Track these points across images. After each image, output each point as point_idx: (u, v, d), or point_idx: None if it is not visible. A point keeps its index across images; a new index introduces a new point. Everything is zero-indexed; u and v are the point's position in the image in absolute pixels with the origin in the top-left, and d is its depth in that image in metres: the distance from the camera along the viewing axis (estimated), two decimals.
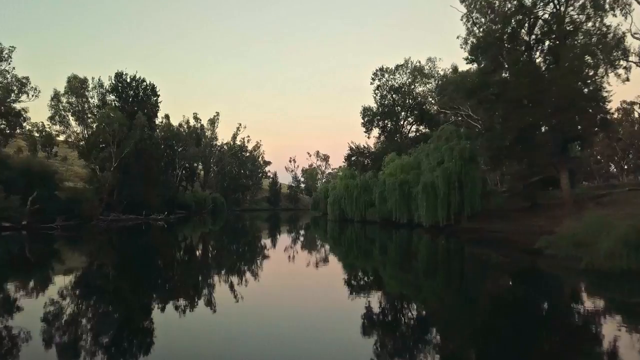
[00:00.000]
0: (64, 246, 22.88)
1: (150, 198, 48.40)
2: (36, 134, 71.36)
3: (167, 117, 65.34)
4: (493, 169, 29.42)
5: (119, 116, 42.87)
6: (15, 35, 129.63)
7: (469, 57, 26.38)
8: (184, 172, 63.86)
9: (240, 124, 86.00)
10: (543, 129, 25.95)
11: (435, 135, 29.06)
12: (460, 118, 37.47)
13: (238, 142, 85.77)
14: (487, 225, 26.73)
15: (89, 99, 45.13)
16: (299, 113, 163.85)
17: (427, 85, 35.72)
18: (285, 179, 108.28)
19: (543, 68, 25.12)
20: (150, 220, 42.34)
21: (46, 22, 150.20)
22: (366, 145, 47.42)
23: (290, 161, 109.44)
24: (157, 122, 63.46)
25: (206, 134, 75.39)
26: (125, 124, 43.69)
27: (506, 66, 25.42)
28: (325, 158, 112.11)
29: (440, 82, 32.14)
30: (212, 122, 76.63)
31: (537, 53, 25.88)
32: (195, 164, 74.81)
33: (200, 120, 73.86)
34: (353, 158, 46.75)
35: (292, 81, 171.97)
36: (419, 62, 36.01)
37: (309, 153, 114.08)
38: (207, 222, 48.39)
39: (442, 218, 26.31)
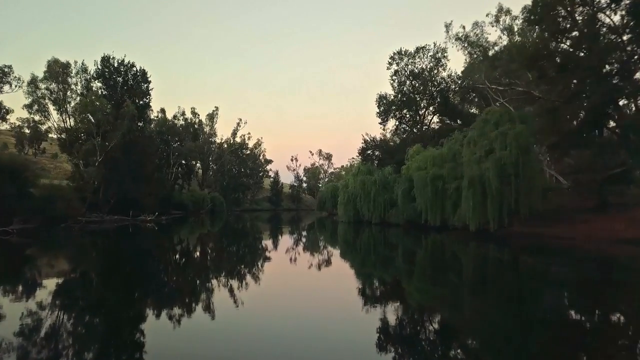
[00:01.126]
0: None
1: (142, 197, 42.67)
2: (26, 130, 65.68)
3: (162, 111, 59.73)
4: (556, 158, 23.74)
5: (104, 103, 37.09)
6: (13, 30, 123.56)
7: (528, 18, 20.67)
8: (179, 169, 57.95)
9: (240, 119, 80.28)
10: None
11: (479, 120, 23.40)
12: (498, 104, 31.74)
13: (238, 139, 79.89)
14: (547, 229, 21.17)
15: (72, 86, 39.27)
16: (300, 112, 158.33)
17: (474, 56, 29.80)
18: (286, 179, 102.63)
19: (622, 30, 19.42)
20: (138, 221, 36.51)
21: (44, 19, 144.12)
22: (383, 138, 41.57)
23: (292, 160, 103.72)
24: (152, 116, 57.96)
25: (204, 129, 69.48)
26: (111, 112, 37.93)
27: (575, 32, 19.73)
28: (328, 157, 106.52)
29: (490, 51, 26.47)
30: (211, 117, 70.72)
31: (612, 13, 20.16)
32: (194, 162, 69.11)
33: (199, 115, 68.11)
34: (368, 152, 40.82)
35: (293, 81, 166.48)
36: (463, 28, 30.07)
37: (311, 152, 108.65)
38: (204, 223, 42.63)
39: (493, 220, 20.66)
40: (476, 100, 41.70)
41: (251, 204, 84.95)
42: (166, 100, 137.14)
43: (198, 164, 70.36)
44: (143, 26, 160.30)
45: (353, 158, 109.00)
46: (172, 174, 55.05)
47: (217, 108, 71.53)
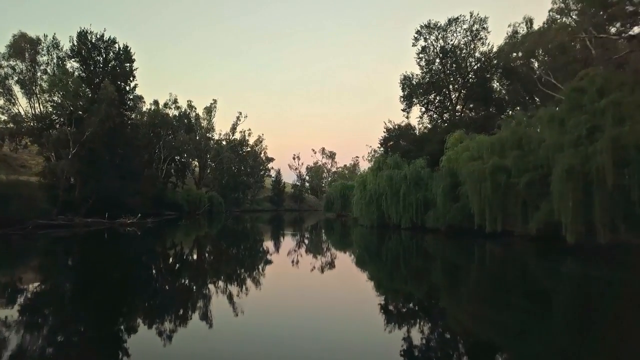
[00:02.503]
0: None
1: (128, 196, 35.97)
2: (12, 125, 59.10)
3: (156, 103, 52.91)
4: None
5: (77, 83, 30.36)
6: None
7: None
8: (173, 165, 51.09)
9: (240, 113, 72.16)
10: None
11: (569, 89, 16.73)
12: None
13: (238, 135, 72.91)
14: None
15: (42, 66, 32.50)
16: (300, 112, 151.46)
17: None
18: (288, 178, 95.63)
19: None
20: (117, 224, 29.74)
21: (45, 18, 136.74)
22: (409, 126, 34.68)
23: (294, 158, 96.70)
24: (144, 108, 51.32)
25: (202, 124, 62.60)
26: (87, 95, 31.26)
27: None
28: (332, 155, 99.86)
29: None
30: (209, 110, 63.77)
31: None
32: (191, 159, 62.34)
33: (195, 108, 61.30)
34: (391, 142, 33.98)
35: (293, 81, 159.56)
36: None
37: (313, 150, 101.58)
38: (198, 226, 35.95)
39: (602, 226, 14.00)
40: (505, 87, 35.19)
41: (252, 204, 78.06)
42: (164, 99, 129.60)
43: (195, 162, 63.60)
44: (142, 26, 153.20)
45: (357, 157, 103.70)
46: (164, 171, 48.16)
47: (215, 101, 64.60)
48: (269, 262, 15.27)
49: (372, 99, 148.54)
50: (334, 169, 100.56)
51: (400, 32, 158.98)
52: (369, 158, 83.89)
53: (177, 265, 14.72)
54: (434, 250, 19.97)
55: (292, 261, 15.05)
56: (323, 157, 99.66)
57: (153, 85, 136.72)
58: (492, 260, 16.36)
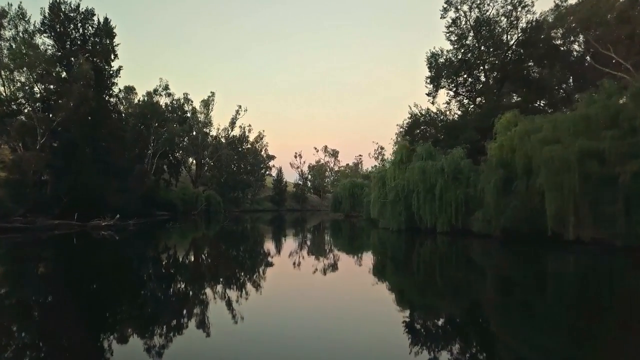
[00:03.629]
0: None
1: (112, 194, 30.68)
2: None
3: (148, 94, 47.38)
4: None
5: (49, 61, 25.05)
6: None
7: None
8: (165, 160, 45.66)
9: (240, 107, 65.92)
10: None
11: None
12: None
13: (237, 131, 67.29)
14: None
15: (7, 42, 27.10)
16: (301, 112, 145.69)
17: None
18: (290, 177, 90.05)
19: None
20: (89, 227, 24.37)
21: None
22: (439, 111, 29.09)
23: (295, 157, 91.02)
24: (136, 100, 46.06)
25: (199, 118, 57.21)
26: (59, 75, 25.91)
27: None
28: (334, 154, 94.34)
29: None
30: (206, 104, 58.32)
31: None
32: (187, 155, 57.09)
33: (192, 102, 55.95)
34: (418, 130, 28.43)
35: (294, 80, 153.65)
36: None
37: (316, 148, 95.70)
38: (193, 229, 30.60)
39: None
40: (547, 67, 29.85)
41: (252, 203, 72.55)
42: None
43: (191, 159, 58.25)
44: (142, 26, 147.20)
45: (360, 155, 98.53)
46: (154, 166, 42.71)
47: (213, 94, 59.05)
48: (287, 291, 9.96)
49: (372, 99, 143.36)
50: (336, 168, 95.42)
51: (401, 31, 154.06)
52: (375, 155, 78.70)
53: (135, 307, 9.41)
54: (487, 262, 14.82)
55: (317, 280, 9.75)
56: (325, 156, 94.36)
57: (152, 85, 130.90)
58: (575, 275, 11.35)
